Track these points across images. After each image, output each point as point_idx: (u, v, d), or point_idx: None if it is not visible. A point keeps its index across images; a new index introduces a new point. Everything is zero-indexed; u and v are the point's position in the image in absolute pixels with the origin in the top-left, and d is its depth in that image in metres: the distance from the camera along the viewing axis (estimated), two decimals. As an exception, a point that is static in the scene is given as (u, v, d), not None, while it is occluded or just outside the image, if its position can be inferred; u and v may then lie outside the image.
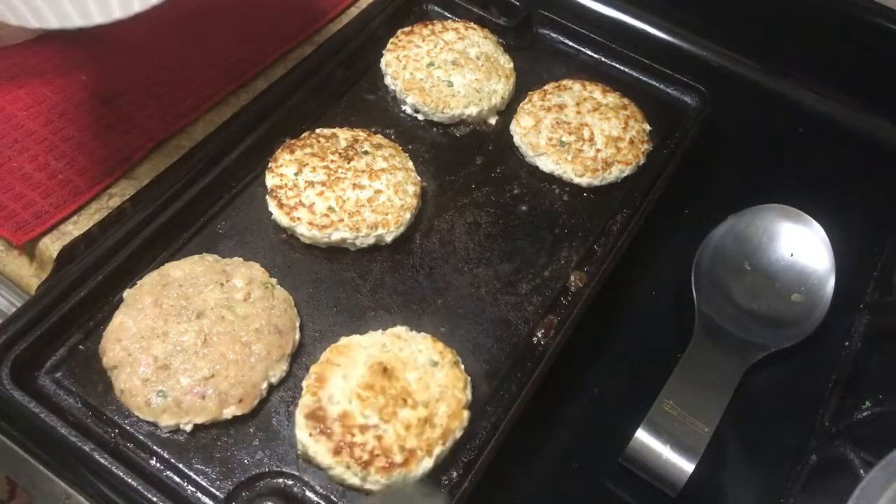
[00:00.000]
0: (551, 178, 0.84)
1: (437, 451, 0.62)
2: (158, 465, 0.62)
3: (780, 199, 0.82)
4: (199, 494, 0.61)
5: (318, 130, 0.82)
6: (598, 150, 0.84)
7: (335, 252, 0.76)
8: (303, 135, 0.81)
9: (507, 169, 0.85)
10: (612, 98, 0.89)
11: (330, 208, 0.75)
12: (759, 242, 0.80)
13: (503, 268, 0.77)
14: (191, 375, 0.64)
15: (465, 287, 0.75)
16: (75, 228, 0.75)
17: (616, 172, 0.83)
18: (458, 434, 0.64)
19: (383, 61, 0.90)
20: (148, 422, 0.63)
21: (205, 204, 0.77)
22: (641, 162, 0.85)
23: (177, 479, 0.61)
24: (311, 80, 0.86)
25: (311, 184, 0.76)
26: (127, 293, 0.69)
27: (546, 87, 0.90)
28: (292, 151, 0.79)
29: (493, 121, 0.89)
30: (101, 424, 0.63)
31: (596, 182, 0.83)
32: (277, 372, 0.67)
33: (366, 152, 0.79)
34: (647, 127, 0.87)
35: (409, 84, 0.87)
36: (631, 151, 0.84)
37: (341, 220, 0.74)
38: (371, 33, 0.92)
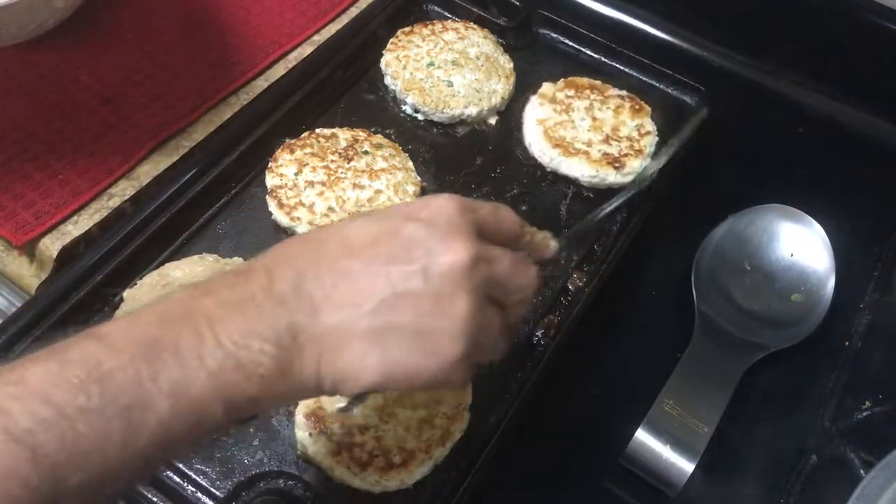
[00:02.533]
0: (555, 178, 0.84)
1: (437, 452, 0.62)
2: (158, 465, 0.62)
3: (780, 199, 0.82)
4: (199, 494, 0.61)
5: (318, 130, 0.82)
6: (608, 144, 0.84)
7: (335, 252, 0.76)
8: (303, 135, 0.81)
9: (507, 169, 0.85)
10: (615, 97, 0.89)
11: (330, 208, 0.75)
12: (759, 242, 0.80)
13: (503, 268, 0.77)
14: (191, 375, 0.64)
15: (465, 287, 0.75)
16: (75, 228, 0.75)
17: (633, 166, 0.83)
18: (458, 435, 0.64)
19: (383, 61, 0.90)
20: (148, 422, 0.63)
21: (205, 204, 0.77)
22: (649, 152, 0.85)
23: (177, 479, 0.61)
24: (311, 80, 0.86)
25: (311, 184, 0.76)
26: (127, 293, 0.69)
27: (553, 92, 0.89)
28: (292, 151, 0.79)
29: (493, 121, 0.89)
30: (101, 424, 0.63)
31: (611, 179, 0.83)
32: (277, 372, 0.66)
33: (366, 152, 0.79)
34: (649, 121, 0.87)
35: (408, 84, 0.87)
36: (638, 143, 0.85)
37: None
38: (371, 33, 0.92)
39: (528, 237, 0.56)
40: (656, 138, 0.85)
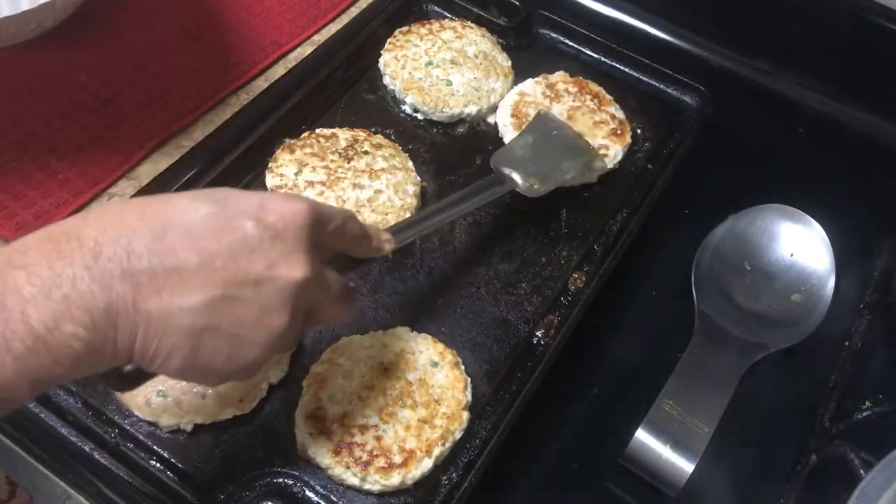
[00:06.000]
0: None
1: (437, 451, 0.62)
2: (158, 465, 0.62)
3: (780, 199, 0.82)
4: (199, 494, 0.61)
5: (318, 130, 0.82)
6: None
7: (335, 252, 0.76)
8: (303, 135, 0.81)
9: (507, 169, 0.85)
10: (608, 112, 0.88)
11: (330, 208, 0.75)
12: (759, 242, 0.80)
13: (503, 268, 0.77)
14: (191, 375, 0.64)
15: (465, 287, 0.75)
16: (75, 228, 0.75)
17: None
18: (458, 435, 0.64)
19: (382, 61, 0.90)
20: (148, 422, 0.63)
21: (205, 204, 0.77)
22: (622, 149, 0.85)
23: (177, 479, 0.61)
24: (311, 80, 0.86)
25: (311, 184, 0.76)
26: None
27: (558, 81, 0.90)
28: (292, 151, 0.79)
29: (492, 119, 0.89)
30: (101, 424, 0.63)
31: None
32: (277, 372, 0.67)
33: (366, 152, 0.79)
34: (618, 149, 0.85)
35: (407, 84, 0.87)
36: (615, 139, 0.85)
37: (341, 220, 0.74)
38: (371, 33, 0.92)
39: (365, 244, 0.58)
40: (608, 166, 0.83)
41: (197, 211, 0.45)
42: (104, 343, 0.42)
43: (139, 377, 0.51)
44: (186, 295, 0.43)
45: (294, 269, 0.47)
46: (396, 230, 0.63)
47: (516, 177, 0.77)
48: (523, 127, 0.83)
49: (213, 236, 0.44)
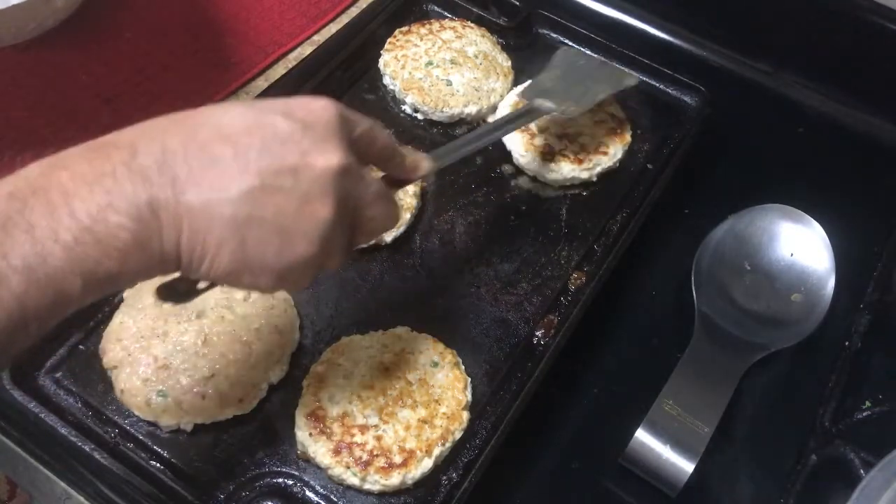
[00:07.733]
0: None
1: (437, 451, 0.63)
2: (158, 465, 0.62)
3: (780, 199, 0.82)
4: (199, 494, 0.61)
5: (318, 130, 0.82)
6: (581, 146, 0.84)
7: (335, 252, 0.76)
8: (303, 135, 0.81)
9: (507, 169, 0.85)
10: (607, 113, 0.87)
11: (330, 208, 0.75)
12: (759, 242, 0.80)
13: (503, 268, 0.77)
14: (191, 375, 0.64)
15: (465, 287, 0.75)
16: (75, 228, 0.75)
17: (561, 168, 0.83)
18: (458, 435, 0.64)
19: (381, 61, 0.90)
20: (148, 422, 0.63)
21: (205, 204, 0.77)
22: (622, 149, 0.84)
23: (177, 479, 0.61)
24: (311, 80, 0.86)
25: (311, 184, 0.76)
26: (127, 293, 0.69)
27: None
28: (292, 151, 0.78)
29: (492, 119, 0.89)
30: (101, 424, 0.63)
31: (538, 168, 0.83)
32: (277, 372, 0.67)
33: (366, 152, 0.79)
34: (618, 147, 0.85)
35: (407, 84, 0.87)
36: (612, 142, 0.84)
37: (341, 220, 0.74)
38: (371, 33, 0.92)
39: (398, 158, 0.56)
40: (609, 163, 0.83)
41: (227, 112, 0.47)
42: (150, 236, 0.42)
43: (190, 291, 0.52)
44: (225, 185, 0.44)
45: (329, 156, 0.47)
46: (435, 155, 0.62)
47: (550, 104, 0.77)
48: (532, 126, 0.84)
49: (245, 132, 0.45)
